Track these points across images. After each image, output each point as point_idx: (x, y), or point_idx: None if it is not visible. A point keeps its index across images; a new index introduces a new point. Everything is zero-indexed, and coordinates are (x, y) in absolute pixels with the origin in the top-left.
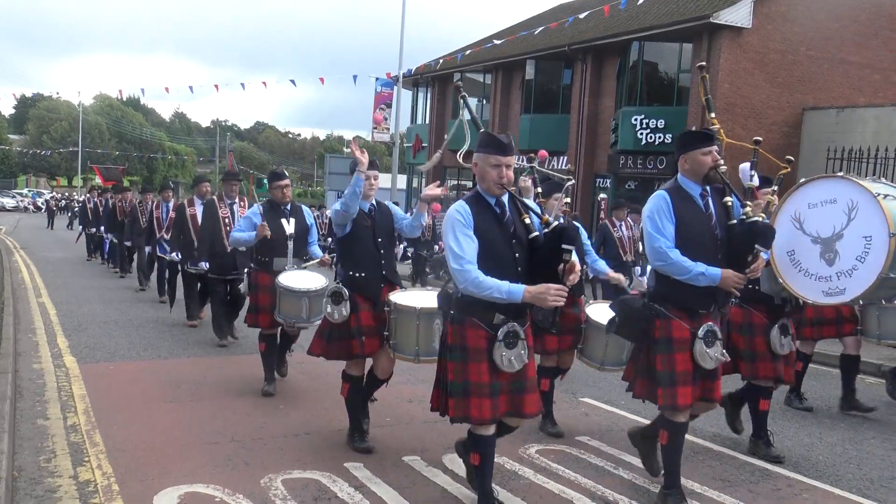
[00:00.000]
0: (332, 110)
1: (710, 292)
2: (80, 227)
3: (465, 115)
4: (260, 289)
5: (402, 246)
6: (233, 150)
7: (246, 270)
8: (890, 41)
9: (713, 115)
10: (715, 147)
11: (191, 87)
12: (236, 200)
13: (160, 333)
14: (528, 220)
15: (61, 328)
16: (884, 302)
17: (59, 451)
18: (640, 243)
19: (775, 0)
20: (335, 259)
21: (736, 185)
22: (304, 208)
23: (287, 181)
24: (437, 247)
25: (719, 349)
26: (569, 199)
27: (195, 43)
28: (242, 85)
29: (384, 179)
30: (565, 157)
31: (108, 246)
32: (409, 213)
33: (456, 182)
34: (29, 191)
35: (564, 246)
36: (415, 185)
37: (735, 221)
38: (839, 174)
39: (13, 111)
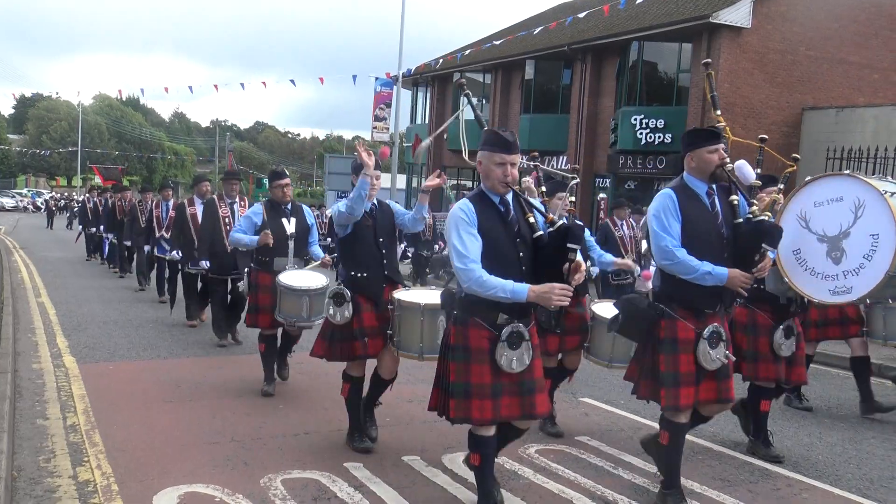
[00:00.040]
0: (332, 110)
1: (717, 292)
2: (80, 226)
3: (469, 114)
4: (260, 289)
5: (402, 246)
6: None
7: (246, 270)
8: (889, 41)
9: (719, 112)
10: (721, 145)
11: (190, 87)
12: (237, 200)
13: (160, 333)
14: (532, 219)
15: (61, 328)
16: (891, 301)
17: (59, 451)
18: (643, 243)
19: (775, 0)
20: (336, 259)
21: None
22: (305, 208)
23: (287, 180)
24: (437, 246)
25: (723, 350)
26: (573, 198)
27: (195, 43)
28: (242, 85)
29: (384, 179)
30: (564, 157)
31: (107, 246)
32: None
33: (455, 182)
34: (28, 191)
35: (570, 245)
36: (414, 184)
37: (741, 220)
38: (846, 172)
39: (12, 111)
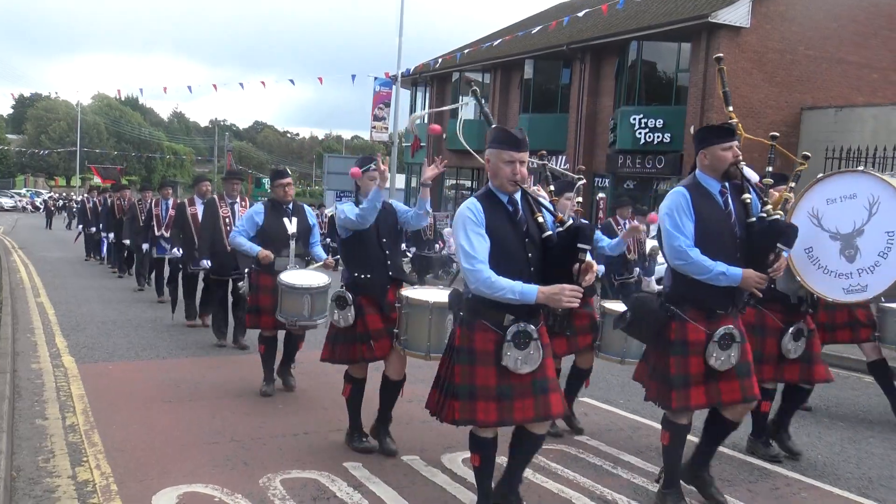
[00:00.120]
0: (331, 110)
1: (730, 292)
2: (79, 226)
3: (470, 112)
4: (261, 290)
5: (402, 245)
6: (231, 150)
7: (247, 271)
8: (888, 41)
9: (731, 108)
10: (735, 142)
11: (189, 87)
12: (237, 200)
13: (159, 333)
14: (541, 219)
15: (60, 328)
16: None
17: (58, 451)
18: (647, 243)
19: (774, 0)
20: (339, 261)
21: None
22: (307, 208)
23: (289, 179)
24: (437, 246)
25: (736, 352)
26: (580, 199)
27: (194, 43)
28: (241, 85)
29: None
30: (563, 157)
31: (105, 246)
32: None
33: (455, 182)
34: (27, 191)
35: (580, 245)
36: (413, 184)
37: (754, 219)
38: (860, 169)
39: (11, 111)
